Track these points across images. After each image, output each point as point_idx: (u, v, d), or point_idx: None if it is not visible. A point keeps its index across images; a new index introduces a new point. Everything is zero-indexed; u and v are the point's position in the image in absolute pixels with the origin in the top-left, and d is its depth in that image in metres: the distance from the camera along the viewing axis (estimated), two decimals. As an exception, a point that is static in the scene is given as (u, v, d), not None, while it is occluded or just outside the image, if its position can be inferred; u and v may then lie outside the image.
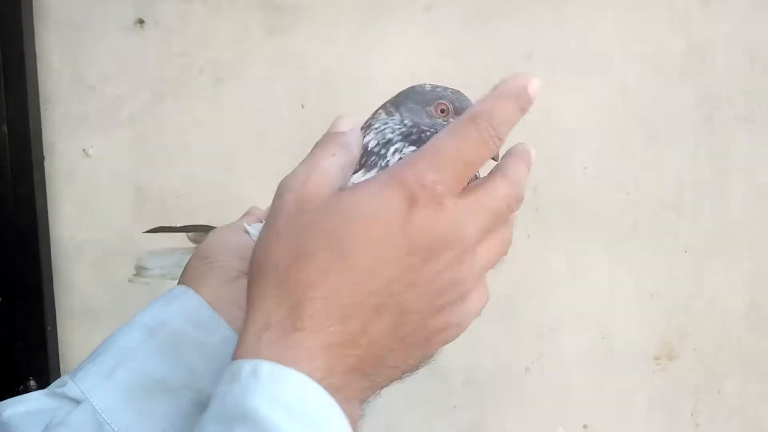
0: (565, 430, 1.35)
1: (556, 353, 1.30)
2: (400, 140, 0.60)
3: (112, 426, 0.53)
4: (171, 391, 0.55)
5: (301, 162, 0.53)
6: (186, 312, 0.58)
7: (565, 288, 1.29)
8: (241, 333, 0.48)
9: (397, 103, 0.64)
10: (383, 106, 0.64)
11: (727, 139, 1.29)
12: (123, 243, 1.17)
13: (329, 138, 0.55)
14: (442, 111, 0.61)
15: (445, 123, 0.61)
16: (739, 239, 1.32)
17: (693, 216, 1.31)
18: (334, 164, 0.53)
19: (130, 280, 0.77)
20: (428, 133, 0.59)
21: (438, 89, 0.63)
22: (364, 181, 0.51)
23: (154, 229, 0.84)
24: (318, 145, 0.55)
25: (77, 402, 0.54)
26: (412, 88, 0.64)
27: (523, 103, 0.50)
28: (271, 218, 0.50)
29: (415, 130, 0.61)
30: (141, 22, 1.14)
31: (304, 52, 1.18)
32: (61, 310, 1.17)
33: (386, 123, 0.62)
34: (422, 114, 0.62)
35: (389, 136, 0.61)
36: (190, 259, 0.65)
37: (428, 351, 0.51)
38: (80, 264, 1.17)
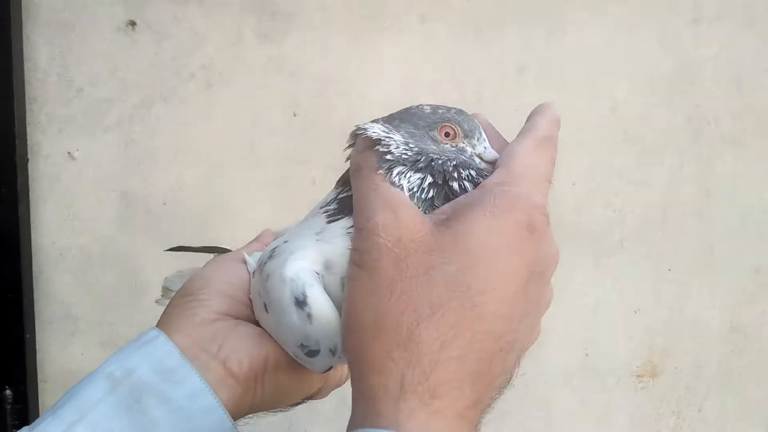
0: (547, 446, 1.35)
1: (541, 369, 1.30)
2: (404, 165, 0.53)
3: None
4: None
5: (363, 198, 0.50)
6: (154, 360, 0.55)
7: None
8: (369, 397, 0.45)
9: (392, 123, 0.57)
10: (378, 122, 0.57)
11: (713, 159, 1.30)
12: (106, 250, 1.15)
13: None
14: (447, 135, 0.57)
15: (453, 148, 0.56)
16: (722, 259, 1.33)
17: (678, 235, 1.32)
18: (403, 192, 0.50)
19: (157, 301, 0.74)
20: (439, 162, 0.54)
21: (440, 111, 0.58)
22: (466, 206, 0.48)
23: (175, 248, 0.82)
24: (368, 178, 0.51)
25: None
26: (409, 110, 0.59)
27: (558, 127, 0.52)
28: (368, 266, 0.47)
29: (422, 158, 0.54)
30: (132, 24, 1.12)
31: (297, 59, 1.17)
32: (40, 317, 1.14)
33: (388, 146, 0.55)
34: (426, 139, 0.57)
35: (393, 155, 0.54)
36: (175, 294, 0.62)
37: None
38: (61, 270, 1.15)
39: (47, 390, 1.15)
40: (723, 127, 1.30)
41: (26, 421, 1.10)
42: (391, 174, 0.52)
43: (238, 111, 1.17)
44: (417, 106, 0.58)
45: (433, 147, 0.56)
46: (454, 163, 0.54)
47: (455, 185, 0.52)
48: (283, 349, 0.58)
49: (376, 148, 0.53)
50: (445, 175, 0.53)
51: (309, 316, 0.52)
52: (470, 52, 1.22)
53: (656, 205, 1.31)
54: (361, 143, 0.54)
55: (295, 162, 1.18)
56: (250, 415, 0.59)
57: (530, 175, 0.48)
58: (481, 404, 0.45)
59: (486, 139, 0.57)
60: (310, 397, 0.64)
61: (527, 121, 0.53)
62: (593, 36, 1.25)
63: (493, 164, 0.54)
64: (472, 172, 0.53)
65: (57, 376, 1.16)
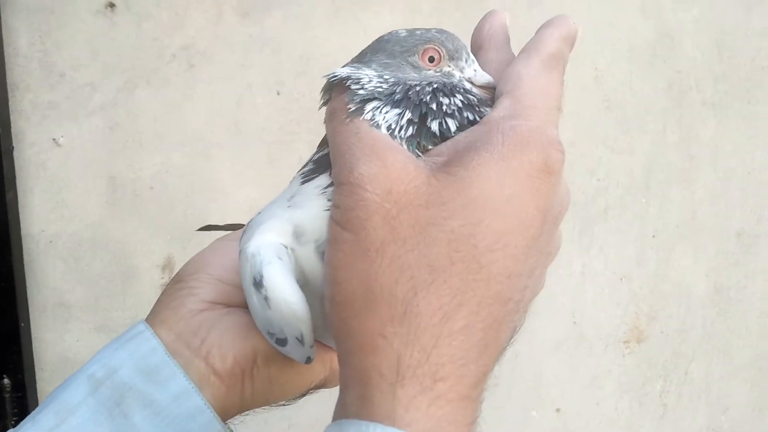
0: (538, 414, 1.36)
1: (529, 338, 1.31)
2: (379, 99, 0.45)
3: None
4: None
5: (341, 146, 0.42)
6: (137, 358, 0.51)
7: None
8: (361, 383, 0.38)
9: (363, 59, 0.49)
10: (347, 65, 0.50)
11: (695, 124, 1.32)
12: (96, 236, 1.14)
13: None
14: (431, 60, 0.48)
15: (437, 73, 0.48)
16: (705, 224, 1.35)
17: (661, 201, 1.33)
18: (386, 135, 0.43)
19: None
20: (416, 90, 0.46)
21: (418, 32, 0.49)
22: (469, 147, 0.40)
23: (204, 227, 0.78)
24: (343, 123, 0.43)
25: None
26: (381, 38, 0.50)
27: (572, 45, 0.46)
28: (353, 225, 0.39)
29: (398, 88, 0.46)
30: (111, 5, 1.10)
31: (279, 36, 1.16)
32: (33, 305, 1.14)
33: (358, 80, 0.46)
34: (404, 67, 0.48)
35: (366, 89, 0.46)
36: (171, 278, 0.58)
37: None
38: (52, 258, 1.14)
39: (45, 377, 1.15)
40: (704, 91, 1.32)
41: (25, 408, 1.10)
42: (364, 111, 0.44)
43: (222, 91, 1.16)
44: (390, 33, 0.50)
45: (413, 75, 0.47)
46: (435, 86, 0.46)
47: (437, 120, 0.44)
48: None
49: (347, 84, 0.45)
50: (423, 107, 0.44)
51: (266, 299, 0.46)
52: (452, 24, 1.19)
53: (639, 172, 1.32)
54: (335, 91, 0.47)
55: (281, 141, 1.18)
56: (246, 413, 0.56)
57: (541, 104, 0.42)
58: (486, 377, 0.40)
59: (475, 60, 0.48)
60: (317, 387, 0.58)
61: (536, 33, 0.46)
62: (574, 3, 1.25)
63: (486, 89, 0.47)
64: (458, 99, 0.45)
65: (54, 364, 1.15)
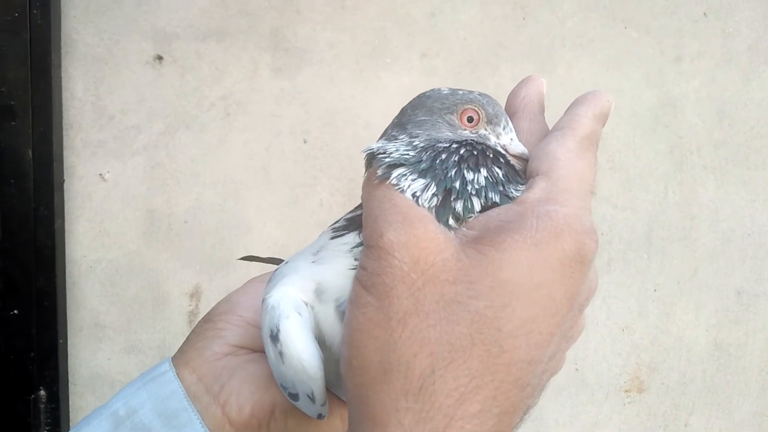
0: (539, 457, 1.37)
1: None
2: (405, 166, 0.43)
3: None
4: None
5: (374, 210, 0.40)
6: (158, 400, 0.50)
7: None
8: (380, 418, 0.36)
9: (401, 122, 0.47)
10: (384, 133, 0.48)
11: (696, 187, 1.34)
12: (133, 263, 1.20)
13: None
14: (470, 120, 0.46)
15: (473, 134, 0.46)
16: (705, 281, 1.36)
17: (662, 257, 1.35)
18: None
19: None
20: (443, 158, 0.43)
21: (460, 92, 0.47)
22: (501, 227, 0.38)
23: (246, 257, 0.74)
24: (377, 188, 0.41)
25: None
26: (424, 94, 0.48)
27: (605, 122, 0.44)
28: (378, 291, 0.37)
29: (425, 155, 0.43)
30: (159, 58, 1.19)
31: (308, 91, 1.22)
32: (72, 324, 1.20)
33: (385, 151, 0.44)
34: (440, 126, 0.46)
35: (392, 157, 0.44)
36: (203, 317, 0.56)
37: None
38: (92, 281, 1.20)
39: (77, 392, 1.20)
40: (705, 156, 1.34)
41: (57, 419, 1.15)
42: (390, 176, 0.42)
43: (254, 137, 1.22)
44: (433, 90, 0.48)
45: (447, 134, 0.45)
46: (462, 152, 0.44)
47: (461, 200, 0.42)
48: None
49: (376, 154, 0.44)
50: (447, 182, 0.42)
51: (281, 354, 0.44)
52: (467, 86, 1.24)
53: (642, 230, 1.34)
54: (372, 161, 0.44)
55: (305, 185, 1.22)
56: None
57: (577, 188, 0.39)
58: None
59: (513, 129, 0.46)
60: None
61: (568, 109, 0.44)
62: (581, 72, 1.30)
63: (519, 159, 0.45)
64: (482, 176, 0.42)
65: (86, 379, 1.20)
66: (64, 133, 1.17)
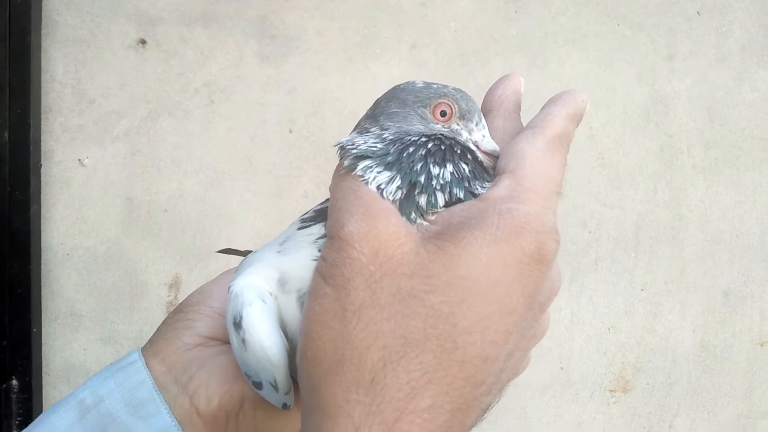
0: (523, 456, 1.36)
1: (517, 382, 1.32)
2: (371, 158, 0.43)
3: None
4: None
5: (338, 202, 0.39)
6: (125, 390, 0.50)
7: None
8: (330, 410, 0.36)
9: (374, 114, 0.47)
10: (357, 125, 0.48)
11: (685, 187, 1.33)
12: (110, 251, 1.18)
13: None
14: (443, 114, 0.46)
15: (445, 129, 0.46)
16: (693, 282, 1.36)
17: (650, 257, 1.34)
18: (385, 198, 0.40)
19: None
20: (411, 150, 0.43)
21: (435, 86, 0.47)
22: (463, 223, 0.38)
23: (223, 250, 0.73)
24: (342, 180, 0.41)
25: None
26: (398, 86, 0.48)
27: (579, 122, 0.44)
28: (335, 282, 0.37)
29: (393, 148, 0.44)
30: (143, 42, 1.16)
31: (295, 80, 1.20)
32: (46, 312, 1.17)
33: (354, 143, 0.44)
34: (413, 118, 0.46)
35: (359, 149, 0.44)
36: (173, 309, 0.55)
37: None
38: (68, 269, 1.18)
39: (50, 382, 1.17)
40: (695, 156, 1.33)
41: (30, 410, 1.12)
42: (356, 167, 0.42)
43: (238, 126, 1.20)
44: (407, 82, 0.48)
45: (419, 127, 0.46)
46: (429, 146, 0.44)
47: (425, 194, 0.42)
48: None
49: (345, 146, 0.44)
50: (413, 176, 0.42)
51: (243, 341, 0.44)
52: (457, 78, 1.24)
53: (630, 228, 1.33)
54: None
55: (290, 175, 1.21)
56: None
57: (541, 188, 0.39)
58: None
59: (486, 126, 0.46)
60: None
61: (543, 107, 0.44)
62: (573, 67, 1.28)
63: (490, 156, 0.45)
64: (448, 172, 0.43)
65: (60, 369, 1.18)
66: (42, 116, 1.15)
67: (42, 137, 1.15)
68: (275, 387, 0.45)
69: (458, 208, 0.39)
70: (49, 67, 1.14)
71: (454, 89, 0.47)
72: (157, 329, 0.54)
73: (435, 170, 0.42)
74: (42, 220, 1.16)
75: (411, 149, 0.43)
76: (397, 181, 0.42)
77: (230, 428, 0.50)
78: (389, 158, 0.43)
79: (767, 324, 1.40)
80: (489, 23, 1.26)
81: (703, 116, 1.33)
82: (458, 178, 0.42)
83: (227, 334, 0.49)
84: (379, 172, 0.42)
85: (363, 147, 0.43)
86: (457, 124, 0.46)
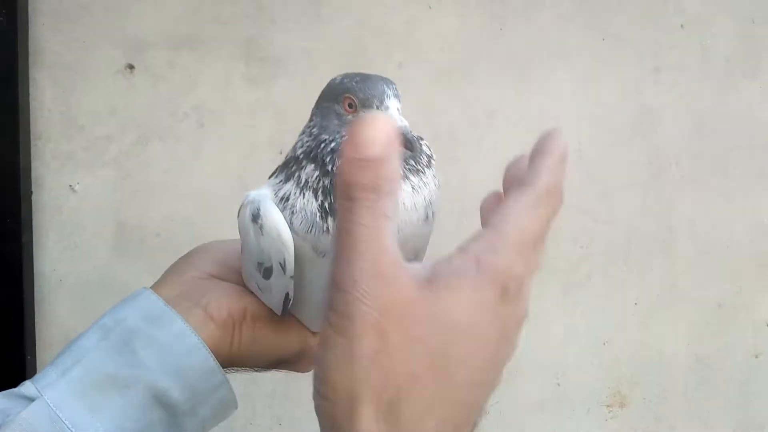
0: (520, 472, 1.36)
1: (514, 398, 1.31)
2: (304, 157, 0.56)
3: (65, 421, 0.54)
4: (123, 386, 0.56)
5: (352, 253, 0.42)
6: (141, 310, 0.59)
7: (522, 335, 1.32)
8: None
9: (315, 105, 0.58)
10: (314, 105, 0.58)
11: (674, 199, 1.34)
12: (103, 277, 1.18)
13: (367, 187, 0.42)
14: (351, 106, 0.54)
15: (354, 119, 0.54)
16: (686, 294, 1.36)
17: (642, 269, 1.34)
18: (391, 233, 0.42)
19: None
20: (322, 147, 0.54)
21: (345, 80, 0.55)
22: (452, 273, 0.43)
23: None
24: (355, 202, 0.42)
25: (31, 400, 0.55)
26: (329, 82, 0.57)
27: (565, 162, 0.47)
28: (348, 333, 0.41)
29: (314, 144, 0.55)
30: (131, 67, 1.16)
31: (283, 101, 1.20)
32: (40, 340, 1.17)
33: (303, 132, 0.57)
34: (332, 114, 0.55)
35: (298, 151, 0.57)
36: (181, 257, 0.68)
37: None
38: (61, 296, 1.17)
39: None
40: (683, 168, 1.33)
41: None
42: (291, 168, 0.56)
43: (228, 149, 1.20)
44: (335, 77, 0.56)
45: (335, 122, 0.55)
46: (332, 145, 0.54)
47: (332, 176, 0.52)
48: (261, 304, 0.62)
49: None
50: (325, 166, 0.54)
51: (261, 227, 0.55)
52: (444, 95, 1.25)
53: (621, 242, 1.33)
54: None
55: None
56: (229, 370, 0.62)
57: (515, 241, 0.44)
58: None
59: (390, 106, 0.53)
60: (289, 363, 0.66)
61: (531, 158, 0.48)
62: (559, 82, 1.29)
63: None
64: None
65: None
66: (31, 143, 1.15)
67: (32, 164, 1.15)
68: (283, 268, 0.56)
69: (444, 258, 0.44)
70: (37, 93, 1.15)
71: (359, 80, 0.54)
72: (166, 270, 0.66)
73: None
74: (34, 247, 1.16)
75: (322, 146, 0.54)
76: (317, 172, 0.54)
77: (236, 335, 0.62)
78: (312, 153, 0.55)
79: (761, 335, 1.39)
80: (474, 40, 1.27)
81: (690, 128, 1.34)
82: None
83: (227, 275, 0.64)
84: (307, 168, 0.55)
85: (299, 150, 0.56)
86: (362, 111, 0.53)
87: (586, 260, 1.33)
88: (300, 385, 1.17)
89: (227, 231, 1.18)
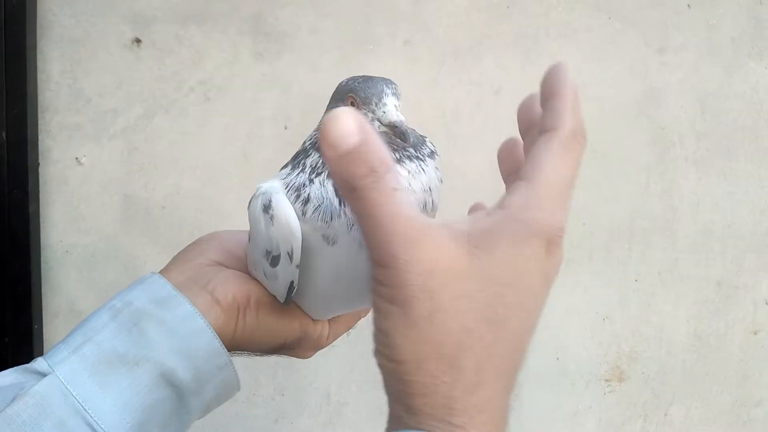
0: (519, 445, 1.37)
1: None
2: (310, 146, 0.60)
3: (76, 396, 0.56)
4: (132, 364, 0.58)
5: (373, 229, 0.45)
6: (150, 292, 0.61)
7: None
8: (415, 413, 0.45)
9: (329, 103, 0.62)
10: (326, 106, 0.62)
11: (678, 178, 1.34)
12: (109, 248, 1.19)
13: (373, 172, 0.45)
14: (352, 104, 0.58)
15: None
16: (686, 272, 1.36)
17: (644, 248, 1.35)
18: (406, 202, 0.45)
19: None
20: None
21: (350, 82, 0.59)
22: (490, 230, 0.46)
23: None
24: (373, 186, 0.45)
25: (43, 375, 0.57)
26: (339, 84, 0.61)
27: (580, 108, 0.50)
28: (400, 301, 0.44)
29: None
30: (138, 41, 1.16)
31: (289, 77, 1.20)
32: (47, 309, 1.18)
33: (315, 129, 0.61)
34: None
35: (306, 143, 0.61)
36: (189, 244, 0.70)
37: None
38: (68, 266, 1.18)
39: None
40: (687, 148, 1.34)
41: None
42: (299, 158, 0.60)
43: (234, 123, 1.20)
44: (342, 80, 0.61)
45: None
46: None
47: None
48: (264, 291, 0.64)
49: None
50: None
51: (272, 218, 0.57)
52: (450, 74, 1.25)
53: (623, 220, 1.34)
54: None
55: None
56: (233, 353, 0.64)
57: (553, 192, 0.46)
58: (508, 409, 0.47)
59: (388, 103, 0.57)
60: (290, 348, 0.69)
61: (546, 104, 0.49)
62: (565, 62, 1.29)
63: (391, 127, 0.56)
64: None
65: None
66: (39, 115, 1.15)
67: (39, 136, 1.15)
68: (290, 257, 0.58)
69: (484, 216, 0.47)
70: (45, 67, 1.15)
71: (360, 81, 0.58)
72: (174, 257, 0.68)
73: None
74: (41, 219, 1.17)
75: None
76: (316, 156, 0.58)
77: (240, 320, 0.64)
78: (318, 144, 0.56)
79: (760, 313, 1.40)
80: (481, 19, 1.26)
81: (695, 108, 1.34)
82: None
83: (233, 263, 0.67)
84: (312, 156, 0.59)
85: (307, 140, 0.62)
86: (363, 108, 0.57)
87: (588, 237, 1.34)
88: (302, 358, 1.19)
89: (231, 204, 1.22)
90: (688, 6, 1.31)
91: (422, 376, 0.44)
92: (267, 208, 0.58)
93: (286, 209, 0.57)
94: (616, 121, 1.32)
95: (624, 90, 1.32)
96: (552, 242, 0.46)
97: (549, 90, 0.50)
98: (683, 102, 1.33)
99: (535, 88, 1.30)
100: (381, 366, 0.47)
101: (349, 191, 0.46)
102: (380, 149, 0.45)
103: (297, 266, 0.59)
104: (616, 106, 1.32)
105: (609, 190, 1.33)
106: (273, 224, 0.58)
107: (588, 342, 1.37)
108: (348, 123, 0.44)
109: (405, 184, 0.57)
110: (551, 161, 0.47)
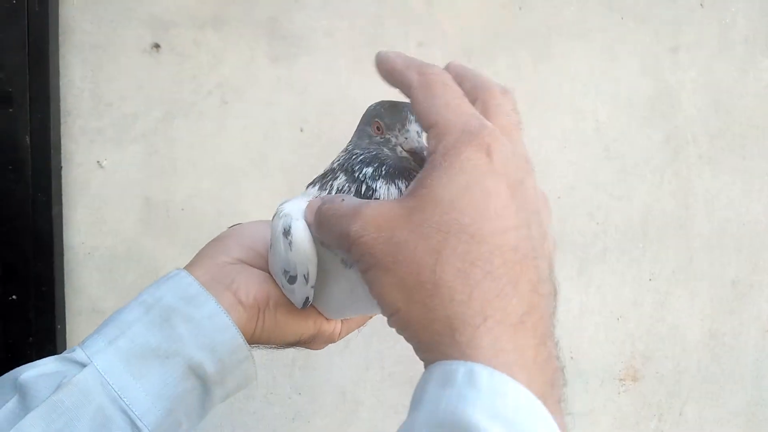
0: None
1: None
2: (339, 169, 0.63)
3: (113, 386, 0.61)
4: (163, 357, 0.63)
5: (331, 221, 0.54)
6: (178, 290, 0.66)
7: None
8: (426, 347, 0.48)
9: (358, 126, 0.65)
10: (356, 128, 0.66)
11: (692, 177, 1.34)
12: (130, 250, 1.20)
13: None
14: (378, 129, 0.62)
15: (381, 140, 0.62)
16: (701, 271, 1.36)
17: (658, 246, 1.35)
18: (351, 198, 0.56)
19: None
20: (352, 160, 0.62)
21: (377, 107, 0.64)
22: (420, 178, 0.50)
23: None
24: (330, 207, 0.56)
25: (83, 365, 0.61)
26: (367, 108, 0.66)
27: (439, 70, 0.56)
28: (374, 262, 0.49)
29: (347, 157, 0.63)
30: (157, 46, 1.18)
31: (305, 79, 1.22)
32: (70, 309, 1.20)
33: (343, 150, 0.65)
34: (364, 135, 0.64)
35: (335, 164, 0.65)
36: (210, 240, 0.74)
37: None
38: (90, 268, 1.20)
39: None
40: (701, 146, 1.34)
41: None
42: (327, 179, 0.63)
43: (251, 125, 1.22)
44: (370, 105, 0.65)
45: (366, 141, 0.63)
46: (362, 157, 0.62)
47: (362, 180, 0.61)
48: (283, 293, 0.68)
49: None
50: (353, 174, 0.62)
51: (290, 243, 0.61)
52: None
53: (637, 219, 1.34)
54: None
55: (301, 173, 1.14)
56: (253, 346, 0.69)
57: (454, 121, 0.50)
58: (538, 310, 0.47)
59: (410, 129, 0.61)
60: (304, 343, 0.73)
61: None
62: (578, 61, 1.29)
63: (411, 153, 0.60)
64: (371, 169, 0.61)
65: None
66: (62, 120, 1.17)
67: (62, 140, 1.17)
68: (306, 279, 0.63)
69: (420, 173, 0.51)
70: (67, 72, 1.16)
71: (387, 107, 0.62)
72: (197, 254, 0.72)
73: (368, 170, 0.61)
74: (64, 221, 1.18)
75: (353, 158, 0.62)
76: (349, 182, 0.61)
77: (260, 319, 0.68)
78: (345, 166, 0.62)
79: (775, 312, 1.39)
80: (494, 19, 1.27)
81: (708, 107, 1.34)
82: (375, 174, 0.61)
83: (255, 260, 0.70)
84: (339, 179, 0.62)
85: (335, 164, 0.65)
86: (388, 134, 0.61)
87: (602, 236, 1.34)
88: (319, 355, 1.20)
89: (249, 205, 1.23)
90: (701, 5, 1.32)
91: (416, 311, 0.47)
92: (287, 233, 0.62)
93: (304, 237, 0.61)
94: (630, 120, 1.32)
95: (637, 89, 1.32)
96: (487, 145, 0.48)
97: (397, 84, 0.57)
98: (697, 100, 1.34)
99: (548, 88, 1.30)
100: (395, 328, 0.50)
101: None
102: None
103: (312, 287, 0.64)
104: (630, 105, 1.32)
105: (623, 188, 1.34)
106: (291, 249, 0.62)
107: (602, 341, 1.37)
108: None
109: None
110: (440, 112, 0.51)
